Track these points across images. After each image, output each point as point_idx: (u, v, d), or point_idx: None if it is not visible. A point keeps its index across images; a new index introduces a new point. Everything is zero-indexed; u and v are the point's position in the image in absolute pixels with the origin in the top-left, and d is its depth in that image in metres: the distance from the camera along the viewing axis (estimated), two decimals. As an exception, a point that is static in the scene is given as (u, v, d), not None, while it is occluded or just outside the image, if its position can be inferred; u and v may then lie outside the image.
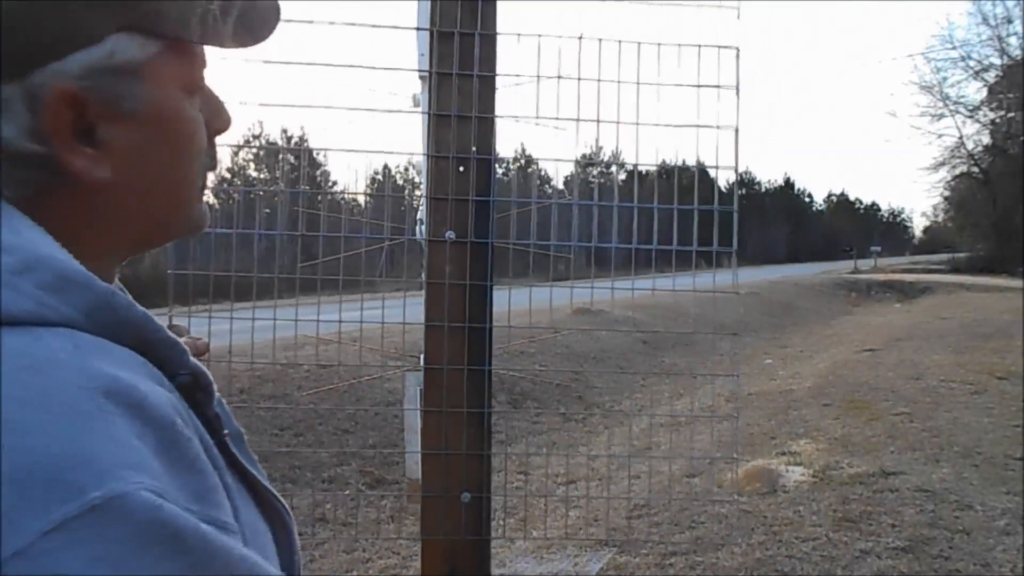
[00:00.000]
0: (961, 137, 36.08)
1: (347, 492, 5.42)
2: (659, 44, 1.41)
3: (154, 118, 0.59)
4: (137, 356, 0.54)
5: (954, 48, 49.91)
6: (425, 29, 2.15)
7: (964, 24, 79.95)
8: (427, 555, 1.49)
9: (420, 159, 2.61)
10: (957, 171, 37.21)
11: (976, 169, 36.23)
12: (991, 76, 34.30)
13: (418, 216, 2.70)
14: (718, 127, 1.42)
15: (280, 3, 0.68)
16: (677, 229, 1.58)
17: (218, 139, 0.70)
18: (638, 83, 1.43)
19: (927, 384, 7.95)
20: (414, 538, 4.56)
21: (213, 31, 0.61)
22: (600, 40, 1.40)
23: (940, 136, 46.45)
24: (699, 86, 1.43)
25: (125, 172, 0.58)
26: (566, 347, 9.95)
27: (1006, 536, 4.04)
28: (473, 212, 1.38)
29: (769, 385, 8.67)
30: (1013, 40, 33.59)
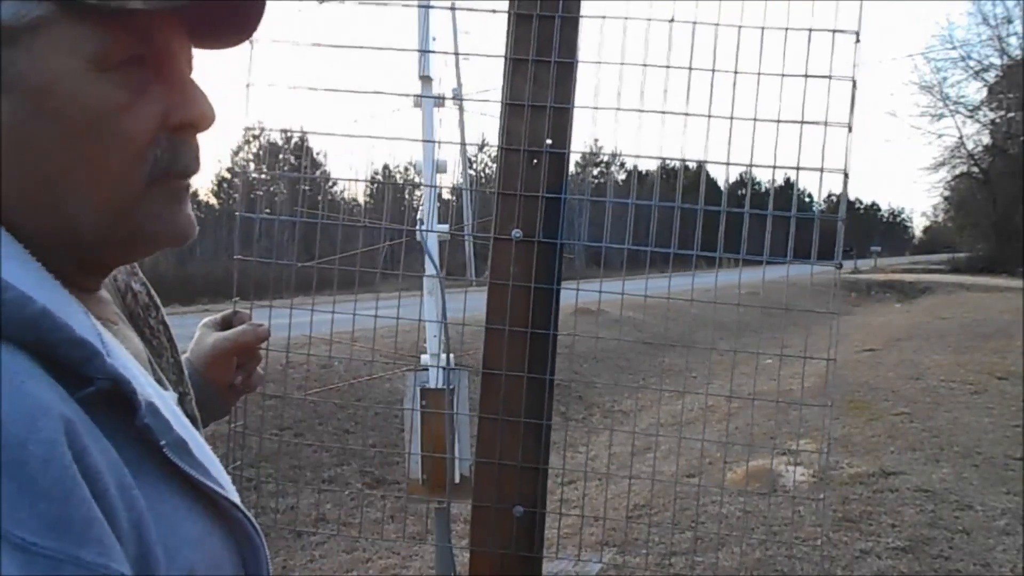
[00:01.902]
0: (961, 137, 36.10)
1: (348, 492, 5.42)
2: (762, 28, 1.23)
3: (36, 91, 0.51)
4: (20, 357, 0.47)
5: (954, 48, 50.00)
6: (439, 7, 2.02)
7: (964, 24, 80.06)
8: (475, 567, 1.44)
9: (420, 159, 2.61)
10: (957, 171, 37.22)
11: (976, 169, 36.21)
12: (991, 76, 34.32)
13: (418, 216, 2.70)
14: (826, 123, 1.27)
15: None
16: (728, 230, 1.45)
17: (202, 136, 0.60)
18: (735, 72, 1.25)
19: (927, 384, 7.95)
20: (415, 539, 4.56)
21: None
22: (694, 24, 1.25)
23: (940, 136, 46.53)
24: (807, 76, 1.25)
25: (12, 153, 0.52)
26: (566, 347, 9.94)
27: (1006, 536, 4.04)
28: (543, 210, 1.30)
29: (769, 385, 8.66)
30: (1013, 40, 33.62)
